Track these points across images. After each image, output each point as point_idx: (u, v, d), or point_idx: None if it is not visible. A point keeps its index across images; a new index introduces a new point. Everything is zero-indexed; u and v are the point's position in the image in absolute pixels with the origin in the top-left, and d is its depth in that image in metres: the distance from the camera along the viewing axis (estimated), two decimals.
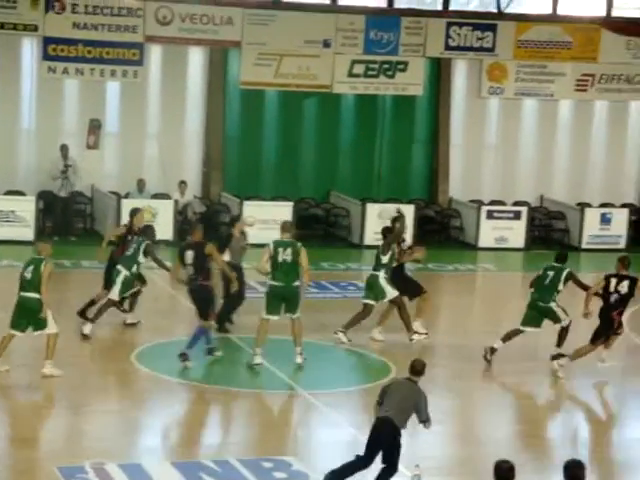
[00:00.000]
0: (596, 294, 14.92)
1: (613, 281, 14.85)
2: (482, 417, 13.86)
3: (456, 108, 25.15)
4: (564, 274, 15.06)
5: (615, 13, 25.31)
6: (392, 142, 24.98)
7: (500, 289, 20.79)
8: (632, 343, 16.76)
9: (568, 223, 24.51)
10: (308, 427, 13.15)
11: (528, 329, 15.25)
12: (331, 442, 12.45)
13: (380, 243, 16.12)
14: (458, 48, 24.51)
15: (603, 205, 25.34)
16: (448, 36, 24.37)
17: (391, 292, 15.72)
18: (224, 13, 23.10)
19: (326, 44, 23.69)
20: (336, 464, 10.76)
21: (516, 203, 25.02)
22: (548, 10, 25.06)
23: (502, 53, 24.72)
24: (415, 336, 15.90)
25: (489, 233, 23.54)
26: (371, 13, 24.14)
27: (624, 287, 14.81)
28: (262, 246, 14.76)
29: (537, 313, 15.23)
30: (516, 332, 15.31)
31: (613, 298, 14.83)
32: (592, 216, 24.18)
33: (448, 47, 24.45)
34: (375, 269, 15.80)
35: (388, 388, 10.93)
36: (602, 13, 25.16)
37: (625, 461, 12.59)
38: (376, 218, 21.83)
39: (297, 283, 14.50)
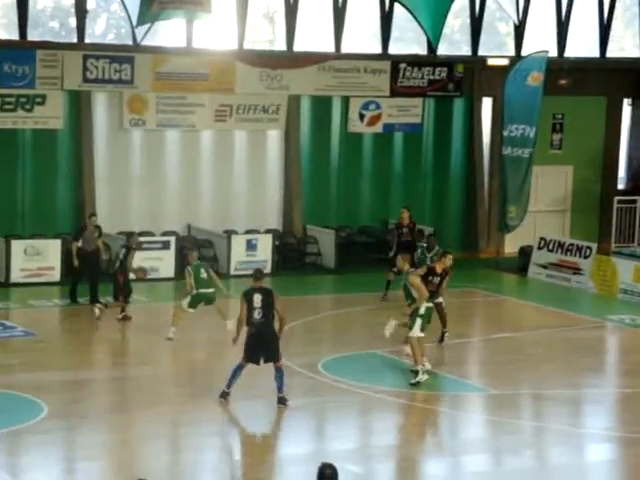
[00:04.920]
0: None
1: None
2: (141, 449, 13.70)
3: (99, 140, 24.53)
4: None
5: (247, 46, 25.38)
6: (34, 177, 24.08)
7: (152, 320, 20.11)
8: None
9: (216, 250, 24.31)
10: None
11: None
12: None
13: None
14: (96, 80, 23.92)
15: (248, 232, 25.04)
16: (86, 69, 23.70)
17: None
18: None
19: None
20: None
21: (164, 233, 24.25)
22: (183, 43, 24.93)
23: (141, 85, 24.26)
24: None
25: (140, 264, 22.06)
26: (4, 46, 23.21)
27: None
28: None
29: None
30: None
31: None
32: (238, 243, 24.11)
33: (86, 80, 23.81)
34: None
35: None
36: (235, 46, 25.04)
37: None
38: (23, 254, 22.29)
39: None
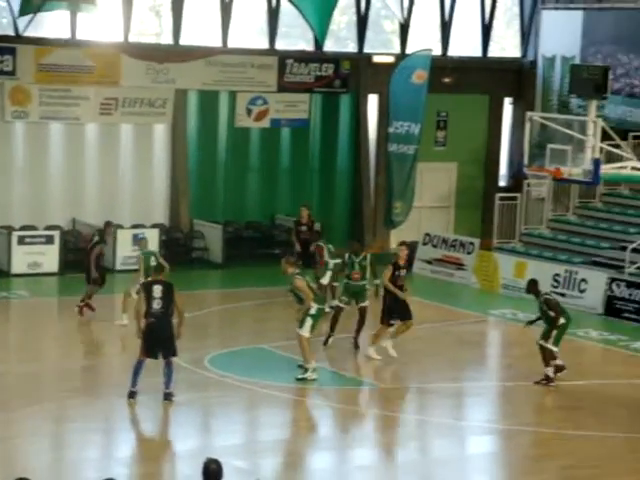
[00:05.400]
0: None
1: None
2: (23, 446, 13.48)
3: None
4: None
5: (133, 39, 25.16)
6: None
7: (35, 315, 20.20)
8: None
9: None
10: None
11: None
12: None
13: None
14: None
15: (135, 226, 24.86)
16: None
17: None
18: None
19: None
20: None
21: (48, 227, 24.29)
22: (67, 35, 24.57)
23: (23, 77, 23.93)
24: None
25: (22, 259, 22.82)
26: None
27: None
28: None
29: None
30: None
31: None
32: (124, 237, 23.85)
33: None
34: None
35: None
36: (121, 39, 24.90)
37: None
38: None
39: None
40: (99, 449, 13.79)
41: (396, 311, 17.70)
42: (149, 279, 15.45)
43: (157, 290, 14.85)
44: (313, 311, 16.43)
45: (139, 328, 14.92)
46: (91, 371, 17.03)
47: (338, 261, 20.20)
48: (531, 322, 17.46)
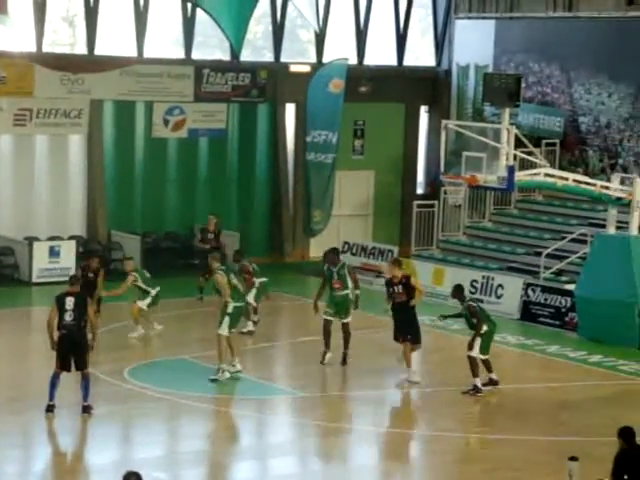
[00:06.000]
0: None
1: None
2: None
3: None
4: None
5: (47, 49, 25.03)
6: None
7: None
8: None
9: (17, 258, 24.13)
10: None
11: None
12: None
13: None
14: None
15: (51, 238, 24.81)
16: None
17: None
18: None
19: None
20: None
21: None
22: None
23: None
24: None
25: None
26: None
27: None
28: None
29: None
30: None
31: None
32: (40, 249, 23.79)
33: None
34: None
35: None
36: (34, 49, 24.72)
37: None
38: None
39: None
40: (16, 464, 13.58)
41: (407, 330, 17.58)
42: (64, 291, 15.26)
43: (69, 302, 14.75)
44: (230, 309, 16.49)
45: (51, 340, 14.78)
46: (8, 385, 16.76)
47: (264, 280, 20.19)
48: (445, 316, 17.68)
